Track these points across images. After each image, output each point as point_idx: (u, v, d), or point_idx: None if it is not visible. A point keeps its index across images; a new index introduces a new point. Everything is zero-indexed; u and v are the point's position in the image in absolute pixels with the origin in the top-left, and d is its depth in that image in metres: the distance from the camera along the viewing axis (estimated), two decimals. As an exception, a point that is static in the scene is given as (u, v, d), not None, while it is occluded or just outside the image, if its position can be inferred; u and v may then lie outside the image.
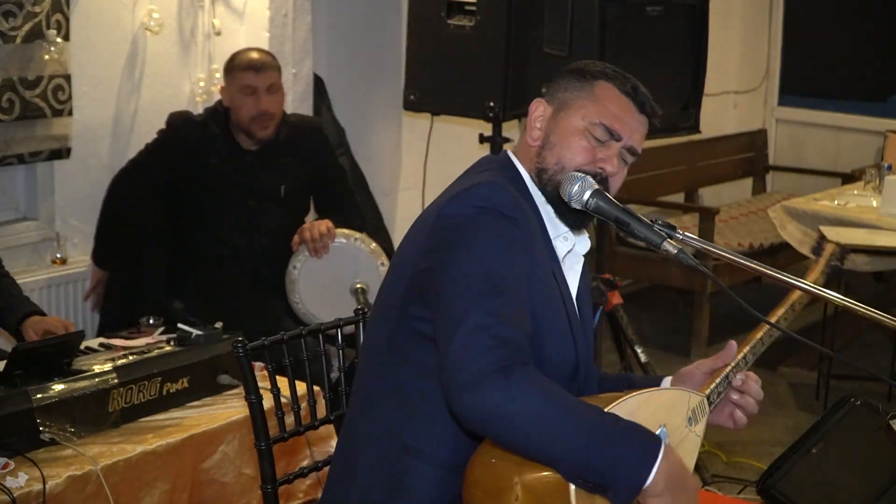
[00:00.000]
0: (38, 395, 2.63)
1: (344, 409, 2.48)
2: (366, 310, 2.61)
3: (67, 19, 3.81)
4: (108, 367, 2.83)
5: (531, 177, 2.05)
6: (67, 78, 3.84)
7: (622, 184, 2.08)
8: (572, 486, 1.75)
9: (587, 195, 1.94)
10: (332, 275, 3.79)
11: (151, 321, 3.22)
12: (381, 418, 2.00)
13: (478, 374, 1.72)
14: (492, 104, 3.71)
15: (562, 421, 1.73)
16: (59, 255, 4.04)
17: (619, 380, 2.25)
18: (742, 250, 5.58)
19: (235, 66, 3.83)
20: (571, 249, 2.07)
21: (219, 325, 3.20)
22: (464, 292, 1.81)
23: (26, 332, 3.16)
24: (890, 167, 5.34)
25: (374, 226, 4.62)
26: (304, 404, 2.54)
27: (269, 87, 3.79)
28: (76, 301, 4.07)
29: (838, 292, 1.98)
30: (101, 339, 3.14)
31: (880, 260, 4.92)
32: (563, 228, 2.05)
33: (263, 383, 2.36)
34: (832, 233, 4.28)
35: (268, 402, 2.33)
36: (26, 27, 3.67)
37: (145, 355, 2.96)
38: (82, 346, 2.98)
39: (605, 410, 1.79)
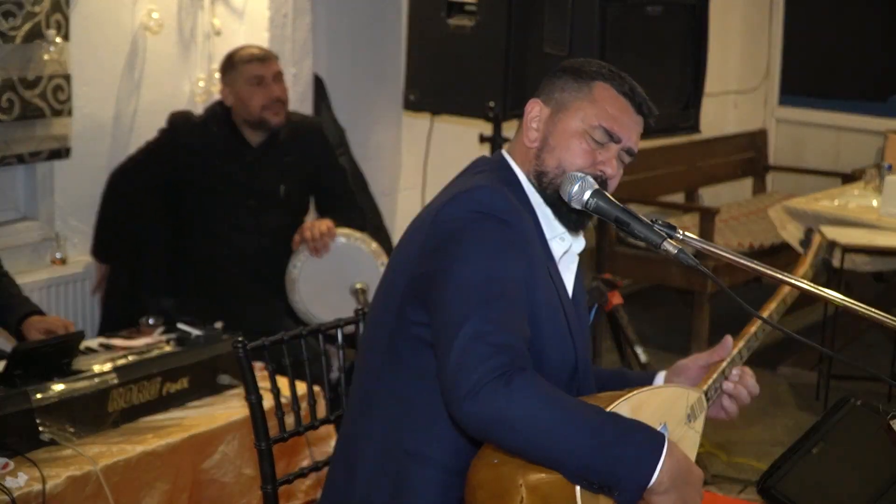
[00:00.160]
0: (38, 395, 2.63)
1: (344, 409, 2.48)
2: (365, 310, 2.60)
3: (67, 19, 3.81)
4: (107, 367, 2.84)
5: (529, 179, 2.04)
6: (67, 78, 3.84)
7: (621, 183, 2.08)
8: (578, 487, 1.74)
9: (587, 195, 1.94)
10: (333, 274, 3.79)
11: (151, 321, 3.22)
12: (380, 419, 2.00)
13: (478, 381, 1.72)
14: (492, 104, 3.71)
15: (564, 424, 1.72)
16: (58, 255, 4.04)
17: (614, 375, 2.25)
18: (742, 250, 5.58)
19: (237, 61, 3.85)
20: (568, 250, 2.07)
21: (219, 325, 3.21)
22: (461, 299, 1.81)
23: (28, 332, 3.16)
24: (890, 167, 5.34)
25: (374, 226, 4.62)
26: (304, 404, 2.54)
27: (275, 76, 3.85)
28: (76, 301, 4.07)
29: (838, 292, 1.98)
30: (101, 339, 3.15)
31: (880, 260, 4.92)
32: (560, 229, 2.04)
33: (263, 383, 2.36)
34: (832, 233, 4.28)
35: (268, 402, 2.33)
36: (26, 27, 3.67)
37: (145, 355, 2.96)
38: (82, 347, 2.98)
39: (607, 410, 1.79)
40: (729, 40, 6.95)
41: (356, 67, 5.08)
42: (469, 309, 1.79)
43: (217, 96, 4.03)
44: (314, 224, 3.82)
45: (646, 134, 2.11)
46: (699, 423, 2.05)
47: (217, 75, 4.03)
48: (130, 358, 2.93)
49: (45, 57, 3.75)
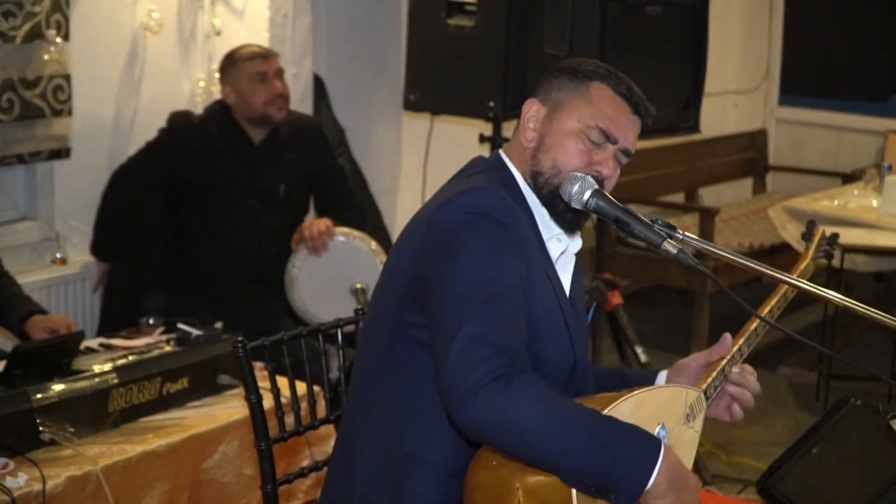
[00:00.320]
0: (38, 395, 2.63)
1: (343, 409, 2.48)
2: (365, 310, 2.61)
3: (67, 19, 3.81)
4: (108, 367, 2.84)
5: (525, 179, 2.04)
6: (67, 78, 3.84)
7: (621, 183, 2.07)
8: (574, 490, 1.74)
9: (587, 195, 1.94)
10: (332, 273, 3.79)
11: (151, 321, 3.22)
12: (379, 419, 2.00)
13: (476, 383, 1.72)
14: (492, 104, 3.71)
15: (562, 426, 1.72)
16: (58, 255, 4.04)
17: (613, 375, 2.25)
18: (742, 250, 5.58)
19: (238, 58, 3.86)
20: (565, 250, 2.07)
21: (219, 325, 3.21)
22: (459, 301, 1.81)
23: (32, 331, 3.16)
24: (890, 167, 5.34)
25: (373, 225, 4.62)
26: (303, 404, 2.54)
27: (277, 73, 3.88)
28: (76, 301, 4.07)
29: (838, 292, 1.98)
30: (101, 339, 3.15)
31: (880, 260, 4.92)
32: (557, 230, 2.04)
33: (263, 383, 2.36)
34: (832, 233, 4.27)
35: (268, 402, 2.33)
36: (26, 27, 3.67)
37: (145, 355, 2.96)
38: (82, 346, 2.98)
39: (604, 413, 1.78)
40: (729, 40, 6.94)
41: (356, 67, 5.08)
42: (467, 310, 1.79)
43: (217, 96, 4.03)
44: (313, 223, 3.83)
45: (645, 134, 2.10)
46: (698, 423, 2.04)
47: (217, 75, 4.03)
48: (130, 358, 2.93)
49: (45, 57, 3.76)
